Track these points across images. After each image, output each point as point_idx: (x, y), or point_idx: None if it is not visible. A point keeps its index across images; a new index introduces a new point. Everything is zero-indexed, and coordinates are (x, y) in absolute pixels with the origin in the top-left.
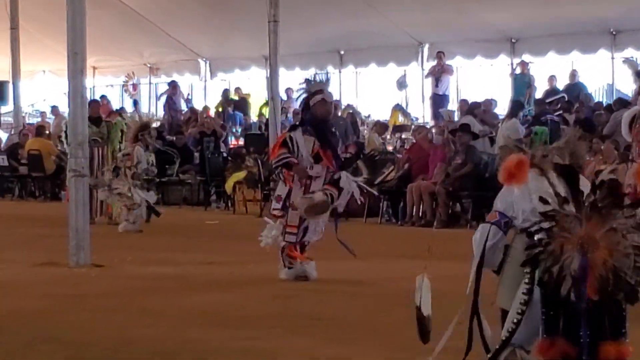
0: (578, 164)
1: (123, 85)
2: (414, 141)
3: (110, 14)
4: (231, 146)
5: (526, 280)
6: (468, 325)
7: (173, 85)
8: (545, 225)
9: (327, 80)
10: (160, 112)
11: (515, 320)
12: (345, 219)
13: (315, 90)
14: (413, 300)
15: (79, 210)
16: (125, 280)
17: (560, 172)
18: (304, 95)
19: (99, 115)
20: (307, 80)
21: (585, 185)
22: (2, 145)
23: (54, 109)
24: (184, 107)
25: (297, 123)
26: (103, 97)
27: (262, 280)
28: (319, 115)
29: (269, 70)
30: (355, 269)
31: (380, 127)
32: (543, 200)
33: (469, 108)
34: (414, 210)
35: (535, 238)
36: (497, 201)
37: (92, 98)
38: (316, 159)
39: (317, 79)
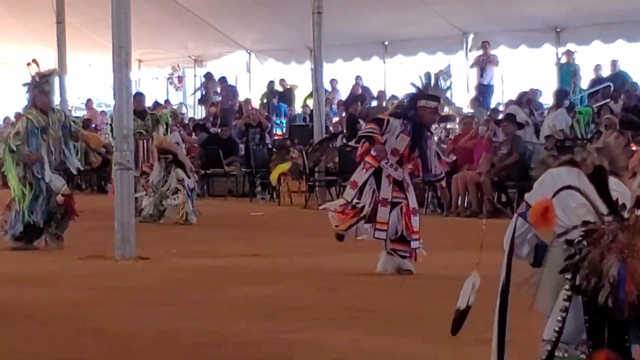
0: (616, 168)
1: (168, 78)
2: (459, 132)
3: (155, 7)
4: (275, 137)
5: (567, 287)
6: (497, 319)
7: (207, 77)
8: (582, 232)
9: (448, 88)
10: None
11: (557, 329)
12: None
13: (433, 94)
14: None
15: (124, 203)
16: (170, 273)
17: (590, 179)
18: (416, 91)
19: (143, 108)
20: (428, 76)
21: (618, 188)
22: None
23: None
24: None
25: (399, 112)
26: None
27: (306, 272)
28: (424, 121)
29: (313, 62)
30: None
31: None
32: (584, 222)
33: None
34: (459, 200)
35: (575, 242)
36: (530, 193)
37: (137, 91)
38: (399, 161)
39: (440, 82)
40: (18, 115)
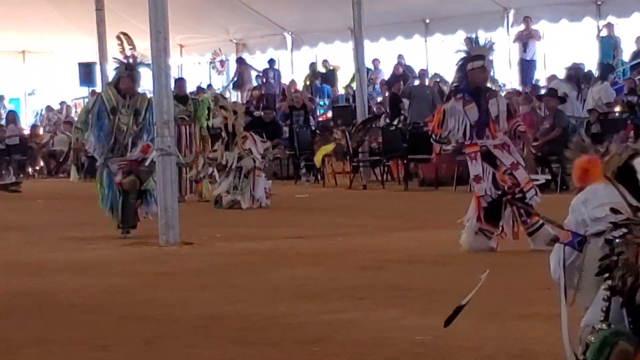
0: None
1: (210, 63)
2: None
3: None
4: (320, 119)
5: (605, 287)
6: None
7: (239, 62)
8: (619, 232)
9: (491, 45)
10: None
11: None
12: (435, 188)
13: (476, 54)
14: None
15: (167, 188)
16: (215, 257)
17: (617, 176)
18: (463, 57)
19: (185, 93)
20: (468, 40)
21: None
22: None
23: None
24: (255, 82)
25: (452, 89)
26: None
27: (350, 252)
28: (476, 83)
29: (354, 42)
30: (446, 238)
31: None
32: (614, 210)
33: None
34: None
35: (611, 238)
36: (570, 217)
37: (179, 76)
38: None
39: (480, 41)
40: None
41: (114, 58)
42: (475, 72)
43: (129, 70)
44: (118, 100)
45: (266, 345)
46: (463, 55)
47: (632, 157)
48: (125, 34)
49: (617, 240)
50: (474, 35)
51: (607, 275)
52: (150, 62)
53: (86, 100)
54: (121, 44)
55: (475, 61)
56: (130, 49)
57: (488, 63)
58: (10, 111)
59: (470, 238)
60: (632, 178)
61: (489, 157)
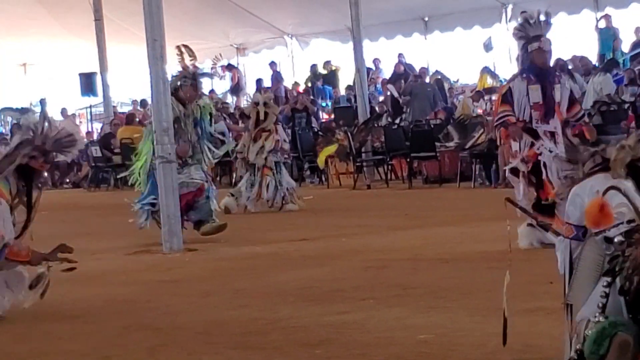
0: None
1: (212, 68)
2: None
3: None
4: (323, 120)
5: (604, 284)
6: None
7: (229, 68)
8: (625, 228)
9: (548, 23)
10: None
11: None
12: (439, 185)
13: (534, 35)
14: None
15: (168, 196)
16: (219, 262)
17: (628, 173)
18: (523, 38)
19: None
20: (525, 21)
21: None
22: (95, 136)
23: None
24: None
25: (518, 70)
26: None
27: (354, 252)
28: (538, 64)
29: (353, 42)
30: (450, 235)
31: (477, 94)
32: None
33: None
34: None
35: (615, 240)
36: (568, 212)
37: None
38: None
39: (538, 20)
40: None
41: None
42: (535, 53)
43: (191, 79)
44: (180, 110)
45: (269, 350)
46: (524, 34)
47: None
48: (185, 46)
49: (616, 240)
50: (529, 15)
51: (611, 274)
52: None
53: (87, 110)
54: (181, 55)
55: (534, 42)
56: (191, 59)
57: (546, 42)
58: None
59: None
60: None
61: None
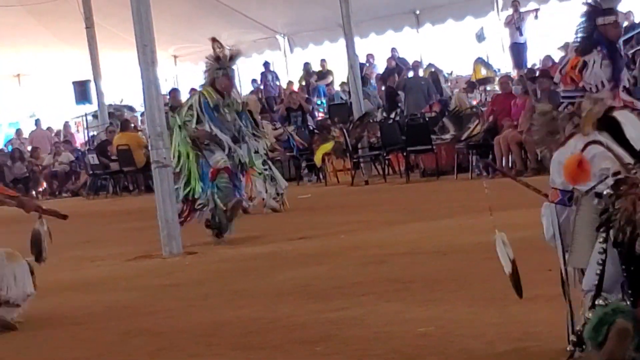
0: None
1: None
2: (498, 92)
3: (184, 1)
4: (318, 118)
5: (600, 240)
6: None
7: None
8: (612, 181)
9: None
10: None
11: (595, 283)
12: (436, 178)
13: (607, 7)
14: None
15: (166, 200)
16: (218, 264)
17: (602, 127)
18: (592, 9)
19: (179, 103)
20: None
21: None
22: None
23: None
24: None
25: (587, 42)
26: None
27: (352, 249)
28: (610, 38)
29: (345, 38)
30: (447, 227)
31: (470, 85)
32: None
33: None
34: (503, 161)
35: (605, 193)
36: (553, 176)
37: (174, 87)
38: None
39: None
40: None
41: (206, 58)
42: (608, 27)
43: (222, 69)
44: (218, 99)
45: (269, 349)
46: (592, 6)
47: (609, 111)
48: (213, 39)
49: (605, 193)
50: None
51: (603, 229)
52: (239, 54)
53: (82, 118)
54: (220, 47)
55: (607, 15)
56: (220, 49)
57: (620, 16)
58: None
59: None
60: (616, 129)
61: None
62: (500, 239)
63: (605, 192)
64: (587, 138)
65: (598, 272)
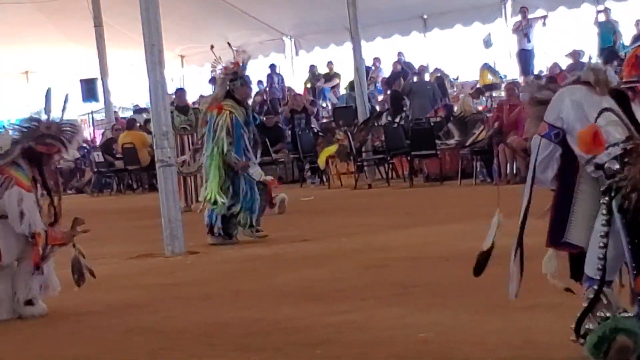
0: None
1: (212, 72)
2: (503, 99)
3: (191, 2)
4: (324, 120)
5: (604, 212)
6: (515, 248)
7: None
8: (618, 151)
9: None
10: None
11: (601, 256)
12: (440, 183)
13: None
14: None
15: (169, 199)
16: (221, 265)
17: (615, 96)
18: None
19: (186, 103)
20: None
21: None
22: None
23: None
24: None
25: None
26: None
27: (354, 252)
28: None
29: (351, 41)
30: (450, 233)
31: (476, 91)
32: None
33: None
34: (508, 168)
35: (606, 166)
36: (547, 111)
37: (180, 87)
38: None
39: None
40: (217, 106)
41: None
42: None
43: (239, 78)
44: (242, 111)
45: (270, 351)
46: None
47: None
48: (234, 49)
49: (607, 165)
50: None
51: (607, 197)
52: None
53: (88, 115)
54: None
55: None
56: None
57: None
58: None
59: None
60: (627, 102)
61: None
62: (497, 220)
63: (606, 165)
64: (594, 100)
65: (601, 256)
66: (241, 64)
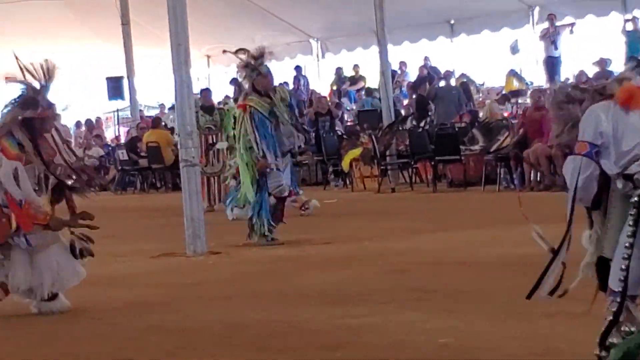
0: None
1: (238, 72)
2: (529, 106)
3: (219, 2)
4: (348, 123)
5: (630, 223)
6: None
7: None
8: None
9: None
10: None
11: (623, 267)
12: (464, 189)
13: None
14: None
15: (192, 199)
16: (242, 266)
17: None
18: None
19: (211, 103)
20: None
21: None
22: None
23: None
24: None
25: None
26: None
27: (376, 256)
28: None
29: (378, 45)
30: (473, 239)
31: (502, 97)
32: None
33: None
34: (532, 175)
35: (635, 177)
36: (583, 130)
37: (204, 87)
38: None
39: None
40: (241, 105)
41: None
42: None
43: (254, 69)
44: (265, 102)
45: (288, 352)
46: None
47: None
48: (237, 50)
49: (636, 176)
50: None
51: (634, 212)
52: (266, 53)
53: (113, 113)
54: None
55: None
56: (245, 54)
57: None
58: None
59: None
60: None
61: None
62: (536, 232)
63: (636, 177)
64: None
65: (623, 267)
66: (257, 57)
